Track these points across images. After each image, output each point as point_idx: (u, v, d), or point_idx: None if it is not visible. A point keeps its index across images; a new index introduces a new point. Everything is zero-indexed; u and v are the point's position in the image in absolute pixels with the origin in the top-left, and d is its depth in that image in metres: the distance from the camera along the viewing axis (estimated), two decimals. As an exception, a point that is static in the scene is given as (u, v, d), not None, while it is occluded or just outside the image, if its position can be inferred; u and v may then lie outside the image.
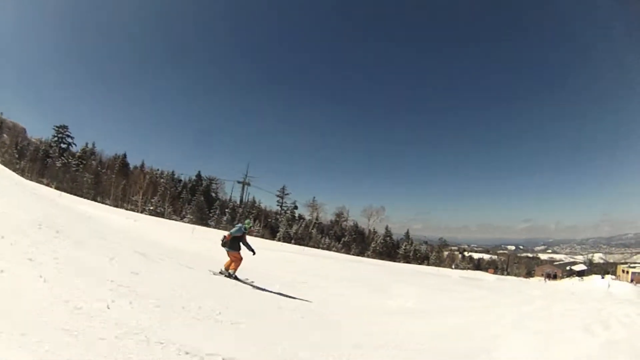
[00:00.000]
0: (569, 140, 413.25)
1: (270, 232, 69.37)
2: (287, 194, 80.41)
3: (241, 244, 9.88)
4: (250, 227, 10.31)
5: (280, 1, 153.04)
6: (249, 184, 76.94)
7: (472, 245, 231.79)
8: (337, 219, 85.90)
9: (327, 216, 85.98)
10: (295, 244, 60.63)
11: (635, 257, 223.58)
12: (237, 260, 9.74)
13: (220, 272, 9.84)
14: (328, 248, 67.38)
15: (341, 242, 77.89)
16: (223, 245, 9.77)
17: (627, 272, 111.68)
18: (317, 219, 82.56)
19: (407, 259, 79.24)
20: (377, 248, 79.88)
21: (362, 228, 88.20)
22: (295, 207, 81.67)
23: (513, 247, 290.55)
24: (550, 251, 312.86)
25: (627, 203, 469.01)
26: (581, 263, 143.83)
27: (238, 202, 76.42)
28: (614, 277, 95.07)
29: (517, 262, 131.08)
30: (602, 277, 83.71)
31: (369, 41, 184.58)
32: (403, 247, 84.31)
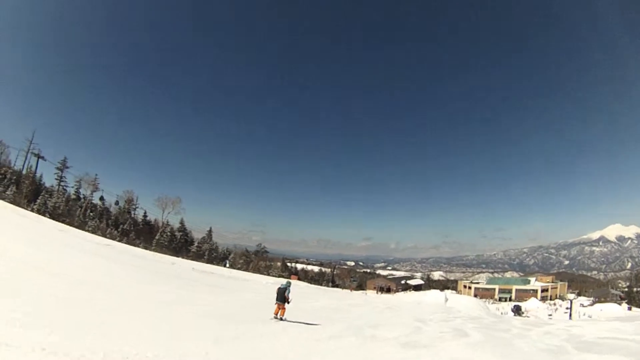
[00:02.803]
0: (406, 164, 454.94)
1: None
2: (68, 167, 73.54)
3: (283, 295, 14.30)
4: (289, 285, 14.75)
5: None
6: (41, 157, 70.14)
7: (311, 259, 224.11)
8: (127, 205, 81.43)
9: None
10: (50, 218, 53.39)
11: (476, 276, 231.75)
12: (282, 308, 14.21)
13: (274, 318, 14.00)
14: (93, 231, 58.62)
15: (119, 229, 70.86)
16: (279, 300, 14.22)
17: (470, 288, 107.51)
18: (102, 201, 78.14)
19: (199, 257, 74.37)
20: (162, 241, 74.77)
21: (150, 219, 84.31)
22: (80, 185, 75.85)
23: (353, 263, 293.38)
24: (390, 268, 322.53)
25: (466, 227, 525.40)
26: (418, 278, 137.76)
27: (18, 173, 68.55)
28: (454, 291, 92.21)
29: (352, 276, 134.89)
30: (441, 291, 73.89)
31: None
32: (196, 245, 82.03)
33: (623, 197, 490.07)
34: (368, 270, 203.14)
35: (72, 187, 74.95)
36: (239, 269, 72.59)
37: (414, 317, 24.85)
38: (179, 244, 78.50)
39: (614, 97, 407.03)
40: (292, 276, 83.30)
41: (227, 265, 70.31)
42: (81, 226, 59.36)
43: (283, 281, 17.03)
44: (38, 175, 70.77)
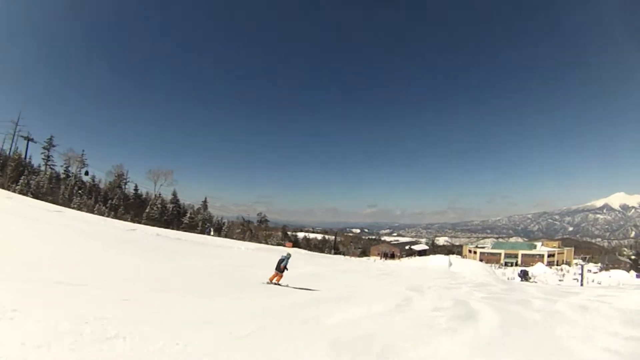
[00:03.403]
0: (413, 131, 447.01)
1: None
2: (54, 146, 69.77)
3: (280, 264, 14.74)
4: (289, 257, 14.98)
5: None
6: (30, 139, 65.00)
7: (317, 228, 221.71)
8: (117, 180, 76.36)
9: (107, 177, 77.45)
10: (33, 197, 50.10)
11: (481, 241, 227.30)
12: (278, 276, 14.60)
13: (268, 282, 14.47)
14: (79, 208, 56.30)
15: (108, 204, 68.61)
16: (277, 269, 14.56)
17: (475, 252, 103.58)
18: (87, 176, 72.95)
19: (191, 228, 70.76)
20: (152, 214, 71.65)
21: (141, 193, 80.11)
22: (69, 163, 71.70)
23: (358, 230, 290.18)
24: (395, 234, 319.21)
25: (472, 193, 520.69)
26: (422, 243, 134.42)
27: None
28: (459, 256, 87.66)
29: (353, 241, 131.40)
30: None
31: None
32: (188, 216, 77.85)
33: (628, 166, 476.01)
34: (373, 237, 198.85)
35: (62, 166, 71.24)
36: (235, 238, 69.02)
37: (408, 285, 20.26)
38: (171, 216, 75.11)
39: (620, 62, 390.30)
40: (287, 243, 79.71)
41: (212, 233, 66.98)
42: (66, 204, 56.08)
43: (281, 250, 18.00)
44: (28, 157, 67.40)
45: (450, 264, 46.84)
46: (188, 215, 77.78)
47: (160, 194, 78.20)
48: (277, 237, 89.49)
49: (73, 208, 52.64)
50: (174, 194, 79.53)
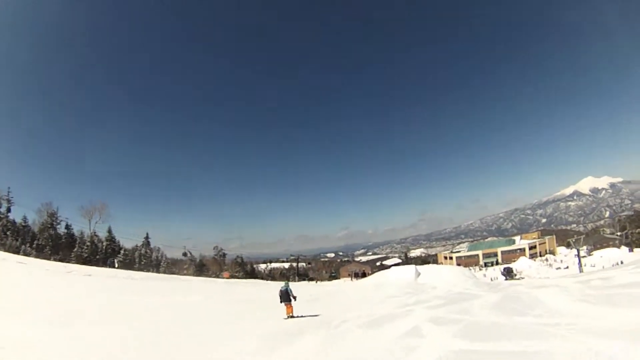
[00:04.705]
0: (374, 146, 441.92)
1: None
2: None
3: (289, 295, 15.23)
4: (288, 285, 15.50)
5: None
6: None
7: (291, 257, 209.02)
8: (50, 219, 68.99)
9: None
10: None
11: (457, 247, 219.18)
12: (291, 307, 15.01)
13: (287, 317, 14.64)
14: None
15: (34, 245, 62.84)
16: (281, 301, 15.05)
17: (451, 258, 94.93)
18: (21, 217, 67.22)
19: (127, 266, 67.85)
20: (82, 253, 65.81)
21: (73, 232, 72.76)
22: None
23: (333, 254, 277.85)
24: (370, 253, 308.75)
25: (441, 201, 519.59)
26: (394, 257, 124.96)
27: None
28: (435, 265, 76.16)
29: (327, 266, 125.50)
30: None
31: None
32: (123, 253, 74.00)
33: (591, 150, 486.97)
34: (347, 259, 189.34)
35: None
36: (180, 273, 69.25)
37: (307, 328, 9.32)
38: (104, 254, 70.08)
39: (577, 51, 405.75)
40: (225, 274, 75.24)
41: (116, 265, 65.83)
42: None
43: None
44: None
45: (418, 274, 36.18)
46: (122, 252, 73.47)
47: (95, 232, 72.67)
48: (232, 270, 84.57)
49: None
50: (109, 231, 74.72)
